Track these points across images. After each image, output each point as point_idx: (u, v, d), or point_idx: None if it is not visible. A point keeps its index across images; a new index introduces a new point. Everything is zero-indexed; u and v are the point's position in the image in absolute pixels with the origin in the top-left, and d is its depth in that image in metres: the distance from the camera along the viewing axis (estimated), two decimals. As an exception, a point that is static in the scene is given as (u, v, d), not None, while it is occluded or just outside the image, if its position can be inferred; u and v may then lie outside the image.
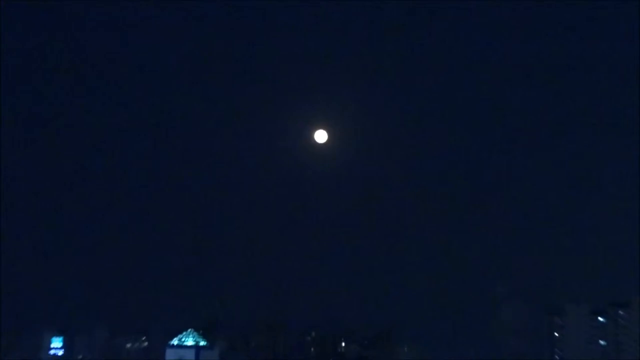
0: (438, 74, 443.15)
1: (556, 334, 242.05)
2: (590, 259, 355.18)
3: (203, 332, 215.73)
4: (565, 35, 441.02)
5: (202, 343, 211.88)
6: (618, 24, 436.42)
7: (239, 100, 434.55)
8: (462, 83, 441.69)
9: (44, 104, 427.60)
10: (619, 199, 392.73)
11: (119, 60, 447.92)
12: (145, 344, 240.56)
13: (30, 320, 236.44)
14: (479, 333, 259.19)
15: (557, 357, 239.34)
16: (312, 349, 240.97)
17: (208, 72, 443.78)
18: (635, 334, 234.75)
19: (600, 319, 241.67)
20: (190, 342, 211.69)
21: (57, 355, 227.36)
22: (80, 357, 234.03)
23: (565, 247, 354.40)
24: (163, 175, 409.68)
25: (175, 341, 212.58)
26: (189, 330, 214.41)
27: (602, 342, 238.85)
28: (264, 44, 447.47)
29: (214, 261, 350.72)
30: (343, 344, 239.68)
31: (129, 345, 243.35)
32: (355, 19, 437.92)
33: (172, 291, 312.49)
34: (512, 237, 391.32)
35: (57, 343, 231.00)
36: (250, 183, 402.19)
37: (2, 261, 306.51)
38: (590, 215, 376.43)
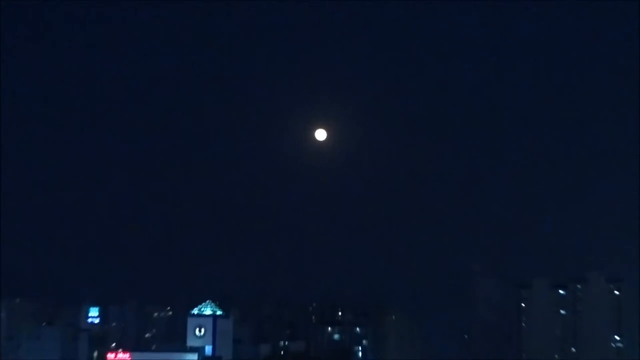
0: (431, 76, 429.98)
1: (523, 305, 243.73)
2: (554, 239, 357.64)
3: (219, 303, 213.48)
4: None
5: (218, 313, 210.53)
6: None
7: (248, 102, 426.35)
8: (455, 83, 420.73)
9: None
10: (582, 185, 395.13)
11: (128, 62, 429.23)
12: (170, 313, 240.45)
13: (71, 293, 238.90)
14: (457, 304, 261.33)
15: (523, 324, 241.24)
16: (313, 318, 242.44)
17: (219, 74, 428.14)
18: (590, 304, 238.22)
19: (561, 291, 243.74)
20: (208, 311, 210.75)
21: (94, 323, 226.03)
22: (113, 324, 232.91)
23: (533, 229, 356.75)
24: (183, 166, 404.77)
25: (195, 311, 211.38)
26: (207, 301, 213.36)
27: (562, 311, 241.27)
28: (268, 50, 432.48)
29: (229, 242, 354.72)
30: (340, 313, 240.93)
31: (155, 314, 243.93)
32: (355, 24, 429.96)
33: (193, 268, 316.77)
34: (486, 220, 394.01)
35: (94, 312, 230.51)
36: (259, 175, 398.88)
37: (47, 242, 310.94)
38: (556, 200, 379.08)
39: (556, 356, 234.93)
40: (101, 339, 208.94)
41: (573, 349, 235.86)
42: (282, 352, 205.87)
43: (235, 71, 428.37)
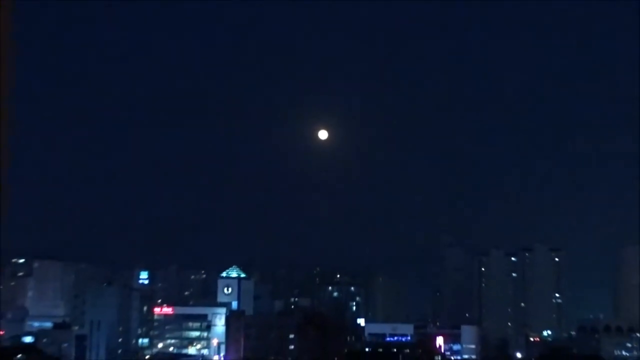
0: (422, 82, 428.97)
1: (483, 269, 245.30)
2: (507, 216, 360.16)
3: (243, 268, 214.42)
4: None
5: (242, 275, 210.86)
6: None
7: (268, 108, 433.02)
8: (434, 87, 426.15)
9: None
10: (530, 173, 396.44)
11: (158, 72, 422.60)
12: (204, 275, 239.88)
13: (126, 259, 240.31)
14: (430, 269, 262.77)
15: (483, 285, 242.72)
16: (317, 279, 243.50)
17: (247, 88, 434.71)
18: (535, 269, 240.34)
19: (512, 259, 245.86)
20: (234, 274, 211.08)
21: (144, 284, 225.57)
22: (159, 285, 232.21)
23: (490, 209, 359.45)
24: (217, 160, 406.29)
25: (224, 274, 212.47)
26: (234, 266, 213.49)
27: (514, 274, 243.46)
28: (282, 64, 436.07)
29: (250, 220, 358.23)
30: (338, 276, 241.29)
31: (192, 276, 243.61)
32: (353, 41, 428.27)
33: (222, 240, 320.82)
34: (453, 202, 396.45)
35: (144, 275, 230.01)
36: (274, 166, 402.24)
37: (107, 218, 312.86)
38: (509, 185, 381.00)
39: (509, 310, 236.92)
40: (149, 297, 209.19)
41: (522, 304, 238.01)
42: (292, 307, 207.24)
43: (258, 84, 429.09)
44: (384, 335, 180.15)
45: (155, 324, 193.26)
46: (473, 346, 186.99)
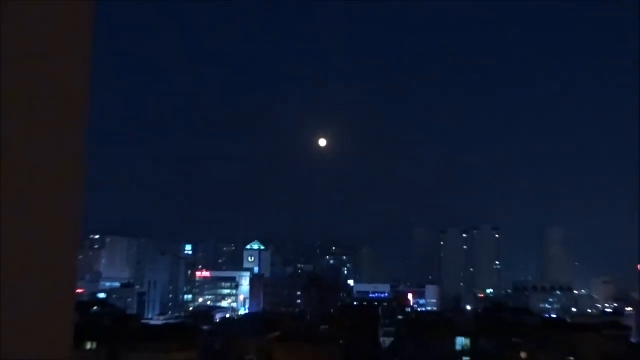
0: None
1: (442, 243, 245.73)
2: (459, 202, 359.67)
3: (263, 241, 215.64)
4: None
5: (262, 248, 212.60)
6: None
7: (269, 118, 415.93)
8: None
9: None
10: (478, 163, 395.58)
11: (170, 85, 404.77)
12: (233, 247, 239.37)
13: (175, 235, 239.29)
14: (402, 242, 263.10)
15: (442, 255, 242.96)
16: (318, 250, 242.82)
17: (248, 95, 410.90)
18: (481, 243, 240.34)
19: (464, 235, 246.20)
20: (256, 247, 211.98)
21: (189, 254, 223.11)
22: (200, 254, 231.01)
23: (447, 196, 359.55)
24: (244, 163, 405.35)
25: (248, 247, 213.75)
26: (255, 241, 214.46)
27: (465, 247, 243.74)
28: (290, 80, 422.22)
29: (268, 206, 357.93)
30: (333, 248, 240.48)
31: (225, 248, 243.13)
32: (351, 59, 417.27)
33: (247, 220, 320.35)
34: (420, 191, 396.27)
35: (188, 247, 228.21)
36: (284, 167, 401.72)
37: (163, 202, 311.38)
38: (461, 175, 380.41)
39: (462, 274, 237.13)
40: (193, 264, 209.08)
41: (471, 269, 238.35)
42: (299, 271, 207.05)
43: (269, 97, 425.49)
44: (368, 293, 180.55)
45: (197, 284, 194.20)
46: (435, 300, 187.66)
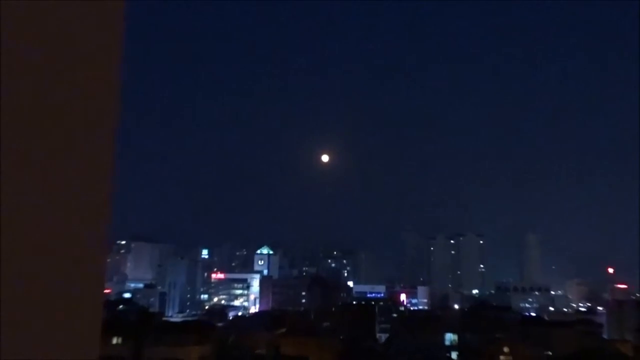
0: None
1: (432, 248, 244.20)
2: (449, 212, 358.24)
3: (271, 247, 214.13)
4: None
5: (270, 252, 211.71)
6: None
7: (277, 137, 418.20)
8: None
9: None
10: (464, 175, 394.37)
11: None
12: (245, 252, 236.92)
13: (193, 240, 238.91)
14: (395, 247, 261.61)
15: (432, 258, 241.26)
16: (321, 254, 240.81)
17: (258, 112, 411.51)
18: (467, 249, 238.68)
19: (452, 241, 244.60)
20: (265, 251, 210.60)
21: (205, 258, 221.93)
22: (215, 258, 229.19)
23: (437, 207, 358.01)
24: (258, 175, 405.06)
25: (258, 251, 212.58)
26: (265, 245, 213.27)
27: (452, 252, 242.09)
28: (297, 101, 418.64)
29: (276, 216, 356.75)
30: (334, 252, 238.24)
31: (237, 253, 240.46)
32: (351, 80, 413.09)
33: (258, 228, 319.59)
34: (412, 201, 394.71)
35: (205, 252, 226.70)
36: (291, 181, 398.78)
37: (184, 212, 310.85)
38: (449, 187, 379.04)
39: (449, 276, 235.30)
40: (209, 266, 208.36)
41: (458, 272, 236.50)
42: (304, 273, 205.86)
43: (277, 117, 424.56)
44: (366, 293, 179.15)
45: (212, 285, 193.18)
46: (425, 300, 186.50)
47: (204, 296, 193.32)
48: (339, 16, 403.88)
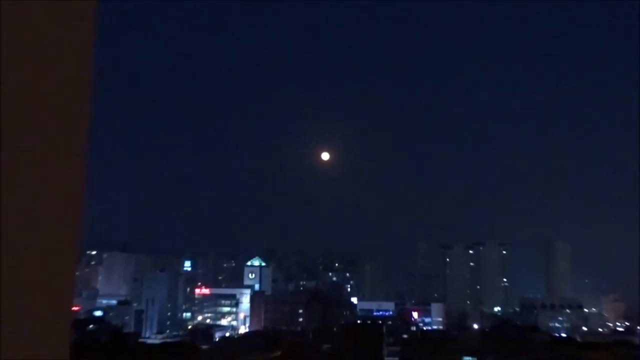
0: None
1: (447, 259, 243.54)
2: (466, 219, 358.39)
3: (263, 258, 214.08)
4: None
5: (262, 264, 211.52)
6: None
7: (279, 139, 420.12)
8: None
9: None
10: (484, 183, 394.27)
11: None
12: (233, 264, 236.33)
13: (175, 251, 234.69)
14: (407, 257, 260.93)
15: (447, 271, 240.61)
16: (320, 267, 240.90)
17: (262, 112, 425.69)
18: (488, 259, 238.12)
19: (470, 251, 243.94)
20: (256, 263, 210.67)
21: (188, 270, 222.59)
22: (199, 271, 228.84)
23: (452, 213, 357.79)
24: (252, 179, 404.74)
25: (249, 263, 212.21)
26: (256, 257, 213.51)
27: (471, 263, 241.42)
28: (300, 101, 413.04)
29: (270, 222, 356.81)
30: (336, 264, 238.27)
31: (225, 265, 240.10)
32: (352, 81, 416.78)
33: (248, 237, 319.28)
34: (425, 207, 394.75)
35: (187, 263, 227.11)
36: (290, 180, 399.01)
37: (162, 220, 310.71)
38: (468, 194, 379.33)
39: (467, 291, 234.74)
40: (192, 280, 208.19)
41: (478, 286, 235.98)
42: (301, 288, 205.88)
43: (277, 117, 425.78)
44: (371, 311, 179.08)
45: (196, 301, 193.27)
46: (440, 319, 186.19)
47: (187, 314, 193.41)
48: (338, 16, 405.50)
